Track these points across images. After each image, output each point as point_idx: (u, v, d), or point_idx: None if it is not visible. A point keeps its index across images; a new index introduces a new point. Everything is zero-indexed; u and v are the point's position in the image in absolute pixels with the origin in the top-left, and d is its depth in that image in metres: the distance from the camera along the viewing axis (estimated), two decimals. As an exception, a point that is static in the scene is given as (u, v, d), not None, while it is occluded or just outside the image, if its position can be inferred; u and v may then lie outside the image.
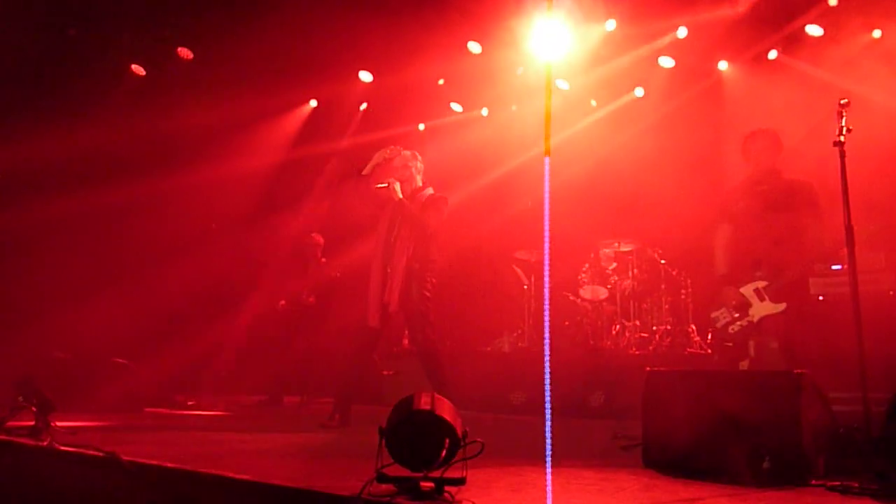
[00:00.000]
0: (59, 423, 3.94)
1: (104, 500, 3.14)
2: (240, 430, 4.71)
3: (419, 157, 5.25)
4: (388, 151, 5.12)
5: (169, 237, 7.77)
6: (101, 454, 3.18)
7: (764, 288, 4.51)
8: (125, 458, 3.10)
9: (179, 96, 7.88)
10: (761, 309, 4.51)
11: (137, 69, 7.92)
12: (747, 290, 4.58)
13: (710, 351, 7.06)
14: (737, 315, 4.61)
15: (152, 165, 7.64)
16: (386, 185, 5.00)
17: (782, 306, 4.43)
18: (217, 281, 7.32)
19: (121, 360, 6.47)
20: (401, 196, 4.99)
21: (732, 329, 4.62)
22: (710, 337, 7.31)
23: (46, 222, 7.29)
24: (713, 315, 4.75)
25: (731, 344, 4.64)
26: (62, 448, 3.40)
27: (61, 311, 6.72)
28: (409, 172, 5.13)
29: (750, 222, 4.60)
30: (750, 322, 4.55)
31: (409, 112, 9.15)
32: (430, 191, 5.17)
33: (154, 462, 3.07)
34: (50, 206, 7.38)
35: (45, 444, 3.51)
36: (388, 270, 4.98)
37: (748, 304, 4.56)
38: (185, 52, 7.83)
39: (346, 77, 8.46)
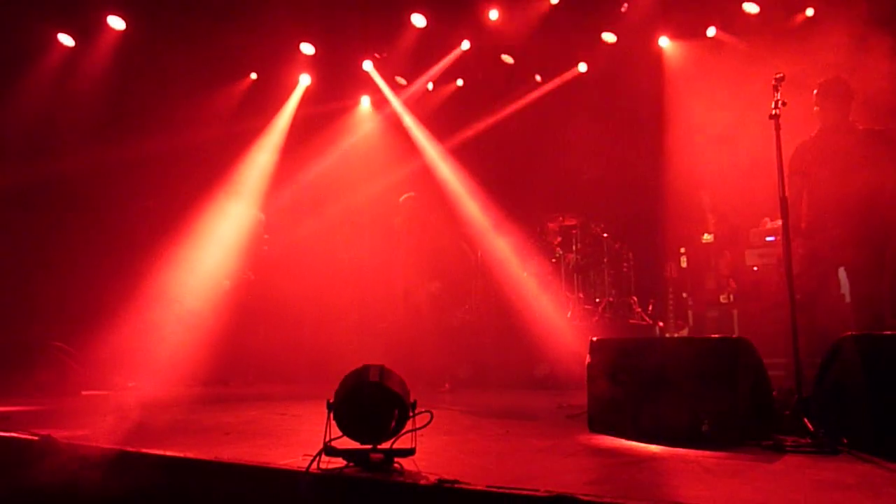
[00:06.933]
0: (-10, 408, 3.79)
1: (43, 486, 3.04)
2: (184, 410, 4.61)
3: None
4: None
5: (105, 216, 7.47)
6: (35, 437, 3.08)
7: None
8: (62, 441, 3.00)
9: (111, 67, 7.53)
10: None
11: (65, 38, 7.51)
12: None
13: (650, 321, 7.26)
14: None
15: (82, 143, 7.28)
16: None
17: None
18: (157, 261, 7.09)
19: (56, 343, 6.23)
20: None
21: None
22: (650, 308, 7.52)
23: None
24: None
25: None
26: (-6, 433, 3.28)
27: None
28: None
29: (819, 173, 4.51)
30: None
31: (353, 86, 8.98)
32: None
33: (93, 444, 2.98)
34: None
35: (-25, 429, 3.37)
36: None
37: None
38: (116, 21, 7.46)
39: (287, 49, 8.23)
